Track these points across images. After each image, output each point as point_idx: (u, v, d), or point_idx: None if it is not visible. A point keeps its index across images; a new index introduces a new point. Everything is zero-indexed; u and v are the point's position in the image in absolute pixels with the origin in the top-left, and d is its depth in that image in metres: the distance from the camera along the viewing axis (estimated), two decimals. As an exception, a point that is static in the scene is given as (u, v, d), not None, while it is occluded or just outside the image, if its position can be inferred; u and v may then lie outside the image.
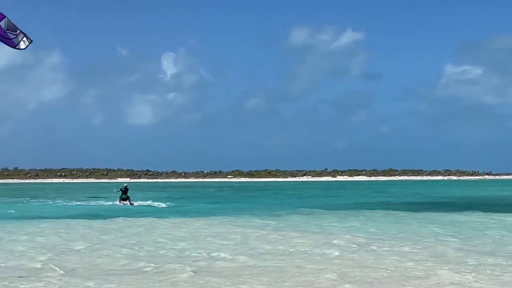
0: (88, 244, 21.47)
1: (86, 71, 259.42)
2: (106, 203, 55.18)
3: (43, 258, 17.81)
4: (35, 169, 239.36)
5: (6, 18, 16.44)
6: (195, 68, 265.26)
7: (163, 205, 52.83)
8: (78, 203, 53.91)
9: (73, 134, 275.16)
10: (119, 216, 36.32)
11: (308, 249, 19.51)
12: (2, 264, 16.81)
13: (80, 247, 20.69)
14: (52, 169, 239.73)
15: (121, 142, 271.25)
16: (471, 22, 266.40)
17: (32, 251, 19.68)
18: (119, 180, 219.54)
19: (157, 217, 34.98)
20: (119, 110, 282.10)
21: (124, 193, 53.65)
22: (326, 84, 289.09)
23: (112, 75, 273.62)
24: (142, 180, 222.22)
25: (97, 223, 31.54)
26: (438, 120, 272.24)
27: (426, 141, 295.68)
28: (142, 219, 33.83)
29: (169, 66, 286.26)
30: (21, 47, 13.51)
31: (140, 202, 54.93)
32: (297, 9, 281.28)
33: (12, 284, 13.59)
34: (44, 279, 14.23)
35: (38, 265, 16.55)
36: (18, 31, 14.28)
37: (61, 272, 15.25)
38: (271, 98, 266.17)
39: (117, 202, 53.79)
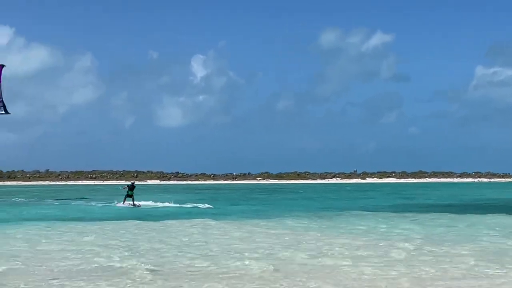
0: (159, 244, 22.35)
1: (116, 74, 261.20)
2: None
3: (130, 258, 18.73)
4: (66, 171, 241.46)
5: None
6: (225, 70, 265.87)
7: (206, 206, 53.72)
8: (119, 204, 54.59)
9: (104, 137, 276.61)
10: (168, 218, 37.17)
11: (372, 252, 20.10)
12: (93, 265, 17.68)
13: (158, 247, 21.68)
14: (83, 171, 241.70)
15: (151, 145, 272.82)
16: (501, 24, 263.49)
17: (114, 251, 20.72)
18: (149, 182, 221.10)
19: (208, 219, 35.68)
20: (149, 113, 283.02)
21: (131, 190, 54.10)
22: (355, 86, 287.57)
23: (143, 77, 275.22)
24: (171, 182, 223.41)
25: (154, 225, 32.32)
26: (469, 122, 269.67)
27: (456, 143, 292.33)
28: (194, 220, 34.62)
29: (199, 68, 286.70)
30: None
31: (144, 203, 55.69)
32: (327, 12, 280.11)
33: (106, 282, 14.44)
34: (135, 279, 15.07)
35: (124, 265, 17.40)
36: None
37: (148, 272, 16.08)
38: (300, 100, 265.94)
39: (121, 204, 54.20)
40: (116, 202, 56.39)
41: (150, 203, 56.57)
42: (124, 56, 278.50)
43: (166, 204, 55.66)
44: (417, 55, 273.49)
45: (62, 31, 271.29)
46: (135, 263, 17.50)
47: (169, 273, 15.83)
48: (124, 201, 54.18)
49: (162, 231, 28.44)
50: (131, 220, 35.28)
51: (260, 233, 26.90)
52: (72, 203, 61.21)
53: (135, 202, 53.97)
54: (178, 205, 55.26)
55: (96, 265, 17.52)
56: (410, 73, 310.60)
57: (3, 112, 18.78)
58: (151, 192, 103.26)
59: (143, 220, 35.34)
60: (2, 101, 18.43)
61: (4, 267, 16.97)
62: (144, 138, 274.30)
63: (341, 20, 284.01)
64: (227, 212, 45.34)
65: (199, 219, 35.25)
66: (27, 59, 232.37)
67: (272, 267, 16.34)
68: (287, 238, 24.72)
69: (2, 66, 19.98)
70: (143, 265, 16.96)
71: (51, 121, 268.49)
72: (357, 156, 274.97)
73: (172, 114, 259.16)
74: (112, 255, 19.44)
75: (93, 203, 58.26)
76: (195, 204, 55.55)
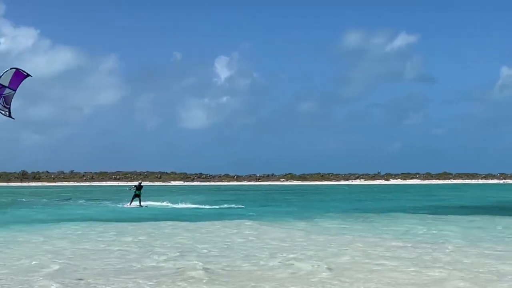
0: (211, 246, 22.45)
1: (141, 75, 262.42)
2: (173, 205, 56.49)
3: (178, 259, 18.89)
4: (91, 172, 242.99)
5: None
6: (249, 71, 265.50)
7: (238, 207, 53.96)
8: (127, 205, 54.85)
9: (128, 138, 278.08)
10: (203, 219, 37.30)
11: (419, 253, 20.00)
12: (140, 265, 17.86)
13: (200, 247, 21.83)
14: (107, 172, 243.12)
15: (175, 146, 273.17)
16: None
17: (159, 250, 20.90)
18: (173, 183, 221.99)
19: (245, 220, 35.75)
20: (173, 114, 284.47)
21: (138, 189, 54.23)
22: (379, 87, 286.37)
23: (167, 79, 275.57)
24: (195, 183, 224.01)
25: (189, 225, 32.46)
26: (494, 123, 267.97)
27: (481, 144, 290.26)
28: (231, 221, 34.68)
29: (222, 70, 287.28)
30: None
31: (149, 203, 56.06)
32: (351, 13, 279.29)
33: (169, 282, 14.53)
34: (188, 279, 15.15)
35: (173, 265, 17.56)
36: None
37: (202, 271, 16.21)
38: (324, 102, 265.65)
39: (128, 205, 54.34)
40: (123, 203, 56.96)
41: (184, 205, 56.86)
42: (148, 58, 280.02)
43: (194, 205, 55.96)
44: (442, 56, 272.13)
45: (86, 33, 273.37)
46: (185, 263, 17.64)
47: (220, 274, 15.88)
48: (131, 202, 54.39)
49: (199, 232, 28.54)
50: (165, 221, 35.36)
51: (300, 234, 26.89)
52: (103, 204, 61.51)
53: (142, 204, 54.15)
54: (208, 206, 55.53)
55: (143, 265, 17.65)
56: (435, 74, 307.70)
57: (7, 115, 18.98)
58: (176, 193, 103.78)
59: (177, 221, 35.45)
60: (10, 107, 18.75)
61: (57, 266, 17.25)
62: (167, 139, 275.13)
63: (365, 21, 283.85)
64: (260, 213, 45.29)
65: (235, 220, 35.38)
66: (52, 60, 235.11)
67: (325, 269, 16.34)
68: (326, 239, 24.70)
69: (27, 75, 20.05)
70: (194, 265, 17.10)
71: (76, 122, 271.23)
72: (381, 157, 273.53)
73: (195, 116, 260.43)
74: (157, 255, 19.59)
75: (120, 204, 58.38)
76: (227, 205, 55.92)
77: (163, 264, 17.70)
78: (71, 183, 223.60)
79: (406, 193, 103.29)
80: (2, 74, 20.12)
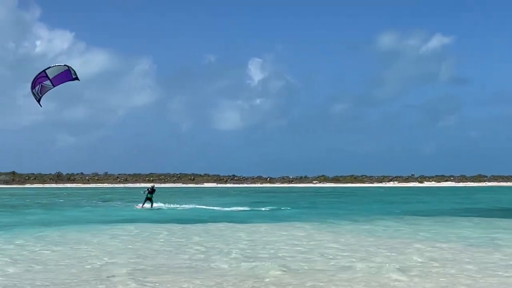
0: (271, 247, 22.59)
1: (174, 78, 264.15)
2: (216, 208, 56.81)
3: (246, 260, 19.13)
4: (124, 174, 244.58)
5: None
6: (282, 73, 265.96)
7: (285, 208, 54.02)
8: (138, 206, 55.56)
9: (161, 140, 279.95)
10: (248, 221, 37.57)
11: (480, 257, 19.88)
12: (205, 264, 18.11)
13: (258, 248, 22.00)
14: (140, 174, 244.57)
15: (208, 148, 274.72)
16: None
17: (233, 251, 21.06)
18: (206, 185, 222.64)
19: (294, 222, 35.89)
20: (206, 116, 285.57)
21: (150, 193, 55.20)
22: (413, 88, 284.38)
23: (200, 81, 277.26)
24: (228, 185, 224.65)
25: (241, 226, 32.62)
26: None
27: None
28: (281, 224, 34.73)
29: (256, 72, 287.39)
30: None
31: (159, 204, 56.69)
32: (385, 14, 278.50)
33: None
34: (262, 279, 15.33)
35: (255, 265, 17.78)
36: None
37: (278, 272, 16.40)
38: (357, 103, 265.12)
39: (139, 206, 55.33)
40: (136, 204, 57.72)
41: (222, 207, 57.12)
42: (182, 60, 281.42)
43: (238, 208, 56.12)
44: (477, 57, 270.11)
45: (121, 35, 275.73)
46: (254, 264, 17.78)
47: (297, 274, 16.00)
48: (143, 204, 55.24)
49: (257, 233, 28.77)
50: (213, 223, 35.59)
51: (351, 236, 26.94)
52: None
53: (154, 205, 55.03)
54: (248, 208, 55.79)
55: (216, 265, 17.91)
56: (470, 75, 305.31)
57: (37, 100, 19.40)
58: (211, 195, 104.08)
59: (226, 222, 35.72)
60: (41, 97, 19.26)
61: (129, 266, 17.55)
62: (201, 141, 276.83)
63: (400, 22, 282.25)
64: (304, 214, 45.34)
65: (284, 222, 35.49)
66: (87, 63, 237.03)
67: (395, 271, 16.35)
68: (379, 241, 24.70)
69: (75, 79, 20.43)
70: (267, 266, 17.24)
71: (110, 124, 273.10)
72: (415, 159, 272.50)
73: (229, 117, 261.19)
74: (224, 255, 19.79)
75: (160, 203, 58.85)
76: (269, 207, 56.00)
77: (235, 264, 17.88)
78: (105, 185, 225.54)
79: (442, 195, 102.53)
80: (53, 66, 20.44)
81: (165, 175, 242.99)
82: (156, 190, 56.96)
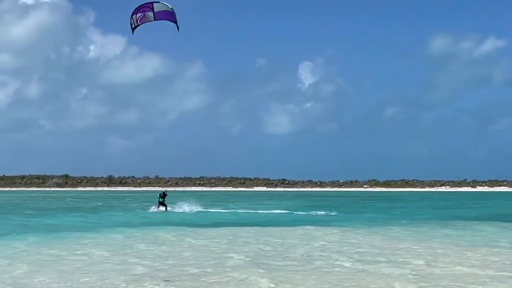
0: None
1: (225, 81, 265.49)
2: (264, 211, 56.94)
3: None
4: (175, 177, 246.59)
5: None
6: (333, 77, 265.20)
7: (333, 213, 53.84)
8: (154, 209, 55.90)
9: (212, 143, 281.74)
10: (299, 224, 37.36)
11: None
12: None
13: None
14: (191, 177, 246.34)
15: (258, 151, 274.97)
16: None
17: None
18: (256, 189, 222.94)
19: (347, 227, 35.64)
20: (257, 120, 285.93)
21: (162, 197, 56.90)
22: (466, 92, 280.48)
23: (251, 85, 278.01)
24: (278, 189, 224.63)
25: (294, 230, 32.43)
26: None
27: None
28: (333, 228, 34.50)
29: (306, 75, 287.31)
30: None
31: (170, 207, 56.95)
32: (437, 18, 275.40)
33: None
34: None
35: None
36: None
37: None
38: (409, 107, 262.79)
39: (153, 209, 56.68)
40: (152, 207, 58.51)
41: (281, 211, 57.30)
42: (233, 64, 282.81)
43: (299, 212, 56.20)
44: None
45: (173, 40, 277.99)
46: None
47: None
48: (158, 207, 56.91)
49: (332, 235, 28.67)
50: (277, 226, 35.48)
51: (408, 240, 26.61)
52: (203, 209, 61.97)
53: (168, 208, 56.42)
54: (303, 212, 55.69)
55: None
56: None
57: (132, 27, 19.80)
58: (262, 198, 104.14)
59: (277, 226, 35.70)
60: (137, 26, 19.70)
61: (198, 269, 17.54)
62: (251, 145, 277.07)
63: (452, 25, 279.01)
64: (354, 219, 45.01)
65: (332, 227, 35.17)
66: (139, 67, 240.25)
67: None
68: (433, 246, 24.27)
69: (176, 24, 20.87)
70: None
71: (161, 127, 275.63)
72: (467, 163, 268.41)
73: (279, 121, 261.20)
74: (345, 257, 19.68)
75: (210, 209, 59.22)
76: (326, 212, 55.87)
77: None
78: (156, 188, 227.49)
79: (497, 200, 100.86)
80: (161, 2, 20.70)
81: (215, 178, 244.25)
82: (193, 196, 58.06)
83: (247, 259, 19.64)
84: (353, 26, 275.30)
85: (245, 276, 16.10)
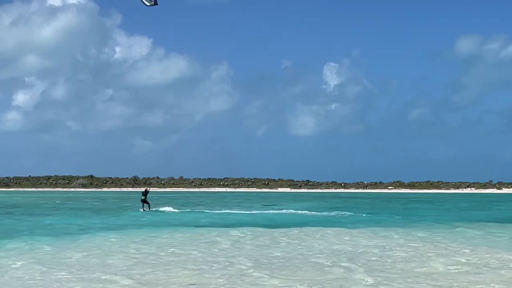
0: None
1: (251, 83, 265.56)
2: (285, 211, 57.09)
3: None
4: (199, 178, 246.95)
5: None
6: (358, 78, 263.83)
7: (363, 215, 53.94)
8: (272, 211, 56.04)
9: (237, 145, 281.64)
10: (328, 225, 37.50)
11: None
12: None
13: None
14: (215, 178, 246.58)
15: (283, 153, 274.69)
16: None
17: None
18: (280, 190, 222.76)
19: (371, 226, 35.64)
20: (282, 121, 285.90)
21: (144, 195, 59.52)
22: (493, 94, 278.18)
23: (276, 86, 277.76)
24: (302, 190, 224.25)
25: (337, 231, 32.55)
26: None
27: None
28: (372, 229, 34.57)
29: (332, 77, 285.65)
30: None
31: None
32: (464, 19, 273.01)
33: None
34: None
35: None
36: None
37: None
38: (435, 109, 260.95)
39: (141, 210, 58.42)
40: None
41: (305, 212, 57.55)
42: (258, 65, 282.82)
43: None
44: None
45: (198, 41, 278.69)
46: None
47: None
48: (143, 206, 59.26)
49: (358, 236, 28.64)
50: (305, 227, 35.71)
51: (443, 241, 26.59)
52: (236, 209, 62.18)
53: (150, 209, 58.86)
54: (326, 213, 56.05)
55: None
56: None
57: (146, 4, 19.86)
58: (287, 200, 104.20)
59: (320, 227, 35.97)
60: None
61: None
62: (276, 146, 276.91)
63: (479, 26, 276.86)
64: (385, 220, 45.04)
65: (368, 227, 35.26)
66: (165, 69, 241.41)
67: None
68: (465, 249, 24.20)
69: None
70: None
71: (187, 129, 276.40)
72: (493, 165, 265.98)
73: (304, 123, 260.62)
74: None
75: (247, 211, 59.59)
76: (349, 213, 56.09)
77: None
78: (180, 189, 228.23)
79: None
80: None
81: (239, 179, 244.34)
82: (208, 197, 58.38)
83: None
84: (379, 27, 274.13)
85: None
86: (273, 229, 33.95)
